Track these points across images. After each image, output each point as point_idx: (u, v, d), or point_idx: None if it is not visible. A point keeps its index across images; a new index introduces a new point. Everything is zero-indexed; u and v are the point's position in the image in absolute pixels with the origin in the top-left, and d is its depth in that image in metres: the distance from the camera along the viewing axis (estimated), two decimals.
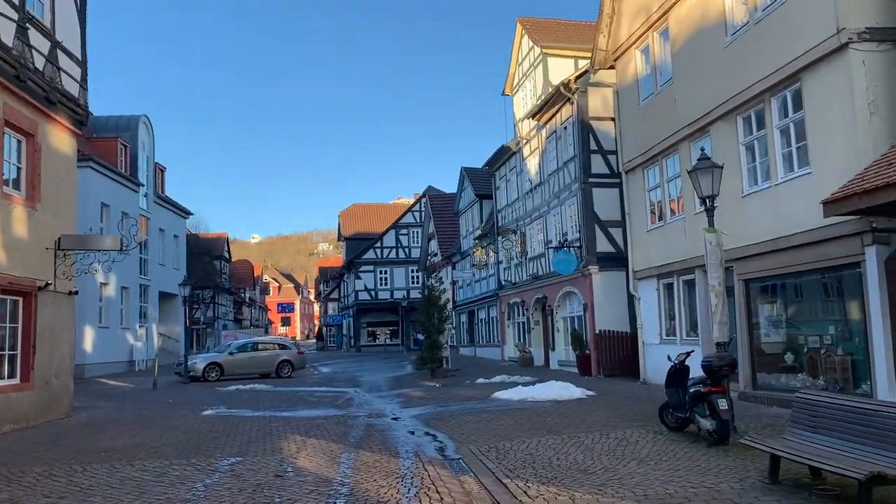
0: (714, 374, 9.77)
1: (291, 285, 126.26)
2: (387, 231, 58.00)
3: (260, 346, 28.44)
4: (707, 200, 11.02)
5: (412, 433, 12.45)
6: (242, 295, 76.56)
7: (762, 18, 13.20)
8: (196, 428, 13.42)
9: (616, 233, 22.73)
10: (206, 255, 58.74)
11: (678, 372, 10.79)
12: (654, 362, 18.47)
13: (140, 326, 35.93)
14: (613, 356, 21.81)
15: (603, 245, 22.76)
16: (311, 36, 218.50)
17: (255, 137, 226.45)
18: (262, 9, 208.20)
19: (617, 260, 22.44)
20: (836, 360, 12.29)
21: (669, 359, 10.91)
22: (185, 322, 26.88)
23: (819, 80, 11.80)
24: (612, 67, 19.90)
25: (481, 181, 37.80)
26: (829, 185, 11.03)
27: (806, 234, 12.16)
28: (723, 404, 9.57)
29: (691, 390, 10.12)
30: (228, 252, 69.28)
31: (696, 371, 10.63)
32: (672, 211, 17.34)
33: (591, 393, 16.67)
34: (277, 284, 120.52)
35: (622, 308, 22.44)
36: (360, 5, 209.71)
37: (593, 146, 23.03)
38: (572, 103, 23.40)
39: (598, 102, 23.17)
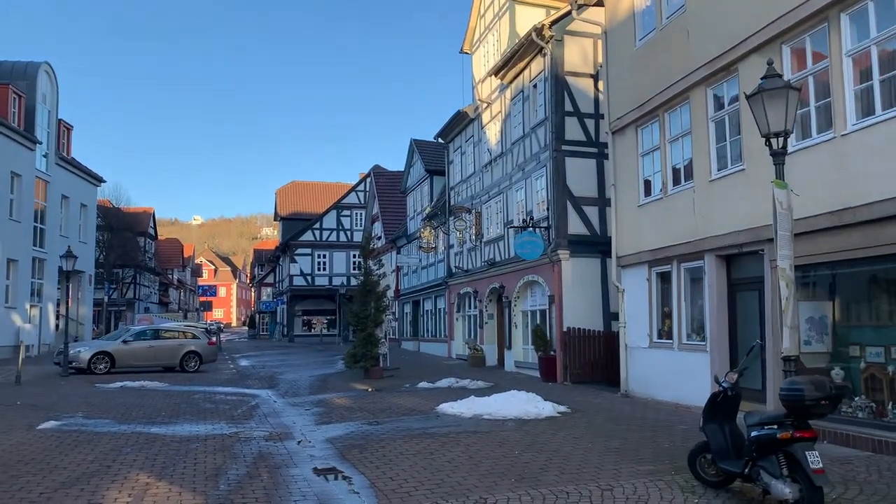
0: (805, 410, 5.90)
1: (228, 269, 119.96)
2: (327, 211, 52.96)
3: (163, 334, 23.82)
4: (776, 140, 7.25)
5: (318, 472, 8.44)
6: (170, 276, 70.88)
7: None
8: (3, 456, 9.16)
9: (591, 212, 19.06)
10: (128, 231, 53.39)
11: (726, 400, 7.02)
12: (640, 370, 14.82)
13: (32, 306, 30.89)
14: (583, 359, 18.12)
15: (576, 226, 18.97)
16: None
17: (196, 111, 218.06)
18: None
19: (591, 244, 18.80)
20: None
21: (717, 381, 7.08)
22: (67, 303, 22.13)
23: None
24: (599, 3, 16.07)
25: (433, 155, 33.77)
26: None
27: (893, 203, 8.54)
28: (814, 460, 5.81)
29: (756, 433, 6.24)
30: (154, 229, 63.70)
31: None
32: (676, 179, 13.59)
33: (563, 409, 12.93)
34: (213, 267, 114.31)
35: (595, 302, 18.82)
36: None
37: (568, 107, 19.18)
38: (545, 55, 19.51)
39: (576, 55, 19.37)
